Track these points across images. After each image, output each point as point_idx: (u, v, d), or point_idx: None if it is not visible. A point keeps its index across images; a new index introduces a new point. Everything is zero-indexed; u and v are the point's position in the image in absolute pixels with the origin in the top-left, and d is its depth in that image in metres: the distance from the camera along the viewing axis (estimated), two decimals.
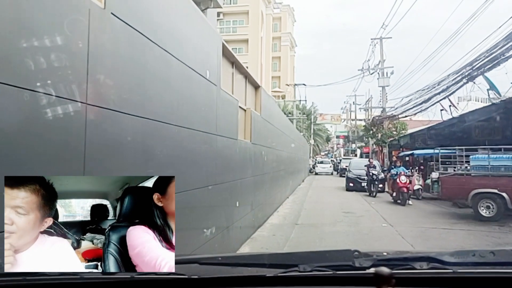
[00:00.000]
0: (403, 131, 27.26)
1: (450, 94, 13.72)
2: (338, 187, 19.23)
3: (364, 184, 16.48)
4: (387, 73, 27.26)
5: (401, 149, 25.76)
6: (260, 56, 45.01)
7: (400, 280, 1.11)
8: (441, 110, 16.51)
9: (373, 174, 15.46)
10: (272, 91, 46.30)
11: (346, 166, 21.30)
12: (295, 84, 39.73)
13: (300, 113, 38.11)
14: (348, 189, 17.42)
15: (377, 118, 28.17)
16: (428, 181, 14.86)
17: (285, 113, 32.61)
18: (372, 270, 1.16)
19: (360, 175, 16.96)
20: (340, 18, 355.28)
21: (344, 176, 21.38)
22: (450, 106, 15.16)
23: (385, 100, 27.56)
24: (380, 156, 27.78)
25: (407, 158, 24.95)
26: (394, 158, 14.73)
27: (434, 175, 15.07)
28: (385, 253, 1.45)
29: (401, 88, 60.26)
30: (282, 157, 12.90)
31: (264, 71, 46.95)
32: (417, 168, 16.69)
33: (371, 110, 35.58)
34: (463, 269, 1.26)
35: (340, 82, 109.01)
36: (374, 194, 15.07)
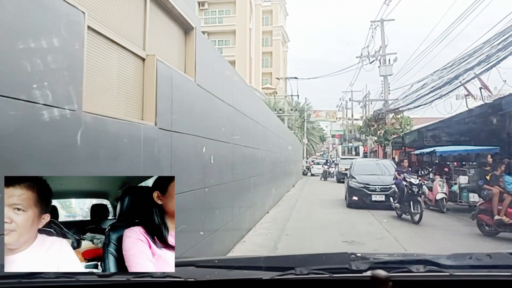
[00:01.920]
0: (408, 127, 23.76)
1: (487, 69, 9.92)
2: (335, 197, 14.79)
3: (377, 197, 11.08)
4: (389, 60, 23.65)
5: (403, 148, 22.29)
6: (249, 50, 41.63)
7: (397, 283, 1.11)
8: (466, 95, 12.89)
9: (412, 184, 9.28)
10: (263, 88, 42.95)
11: (346, 170, 15.79)
12: (286, 78, 36.11)
13: (292, 110, 34.57)
14: (351, 204, 11.85)
15: (378, 112, 24.51)
16: (455, 187, 11.24)
17: (275, 110, 29.20)
18: (369, 273, 1.17)
19: (368, 183, 11.50)
20: (334, 20, 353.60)
21: (342, 182, 16.14)
22: (481, 88, 11.45)
23: (388, 91, 23.94)
24: (381, 157, 24.08)
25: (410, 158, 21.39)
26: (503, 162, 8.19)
27: (463, 179, 11.49)
28: (382, 256, 1.45)
29: (402, 80, 56.36)
30: (257, 157, 9.18)
31: (254, 66, 43.60)
32: (433, 169, 12.99)
33: (369, 105, 32.15)
34: (459, 272, 1.25)
35: (336, 73, 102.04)
36: (417, 219, 8.99)
